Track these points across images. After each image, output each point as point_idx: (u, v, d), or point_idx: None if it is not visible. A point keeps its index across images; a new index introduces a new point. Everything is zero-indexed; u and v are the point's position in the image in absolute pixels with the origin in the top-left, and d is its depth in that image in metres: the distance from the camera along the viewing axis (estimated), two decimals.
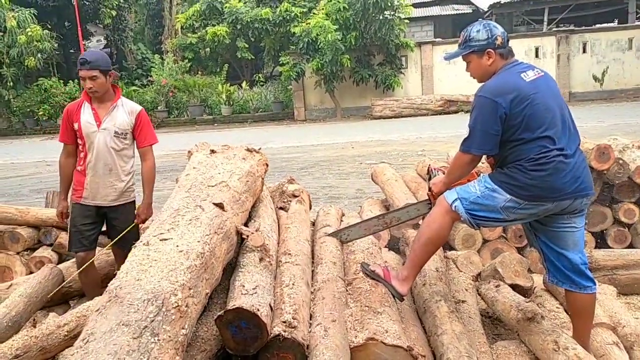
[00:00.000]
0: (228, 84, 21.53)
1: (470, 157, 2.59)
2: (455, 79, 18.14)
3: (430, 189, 2.94)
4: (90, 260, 3.52)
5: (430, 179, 2.98)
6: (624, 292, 3.68)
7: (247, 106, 21.16)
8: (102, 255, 3.97)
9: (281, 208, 3.92)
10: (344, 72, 18.21)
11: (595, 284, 2.71)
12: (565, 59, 18.59)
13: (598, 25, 20.41)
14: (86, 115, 3.50)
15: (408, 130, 14.10)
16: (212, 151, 3.33)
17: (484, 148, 2.55)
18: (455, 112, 17.48)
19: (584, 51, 18.61)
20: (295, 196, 4.03)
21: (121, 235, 3.50)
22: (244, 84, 22.32)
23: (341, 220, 4.16)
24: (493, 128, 2.49)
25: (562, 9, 21.87)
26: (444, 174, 2.90)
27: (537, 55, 18.69)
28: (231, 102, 21.06)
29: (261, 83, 22.69)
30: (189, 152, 3.40)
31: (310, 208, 4.33)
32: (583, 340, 2.67)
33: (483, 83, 2.65)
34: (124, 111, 3.57)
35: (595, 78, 18.54)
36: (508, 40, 2.65)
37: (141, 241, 2.29)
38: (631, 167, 4.08)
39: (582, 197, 2.53)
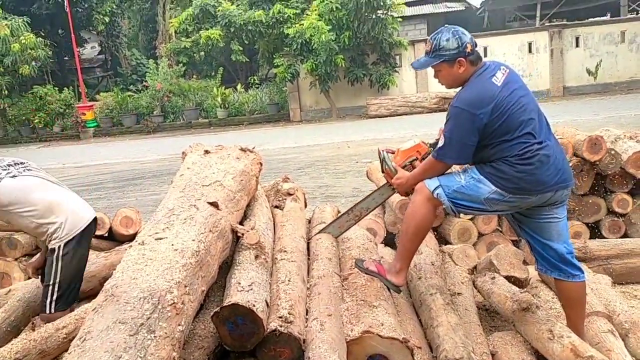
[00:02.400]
0: (223, 87, 21.55)
1: (443, 164, 2.66)
2: None
3: (383, 171, 3.00)
4: None
5: (381, 161, 3.00)
6: (618, 281, 3.71)
7: (243, 109, 21.17)
8: (101, 258, 3.99)
9: (276, 206, 3.94)
10: (339, 72, 18.23)
11: (583, 272, 2.73)
12: (558, 54, 18.64)
13: (590, 19, 20.46)
14: None
15: (403, 128, 14.13)
16: (206, 151, 3.35)
17: (459, 159, 2.63)
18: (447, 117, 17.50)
19: (577, 45, 18.66)
20: (290, 194, 4.05)
21: None
22: (239, 87, 22.34)
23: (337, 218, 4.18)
24: (470, 139, 2.53)
25: (554, 3, 21.95)
26: (392, 154, 2.96)
27: (530, 51, 18.74)
28: (227, 105, 21.07)
29: (256, 85, 22.70)
30: (183, 153, 3.42)
31: (306, 206, 4.35)
32: (577, 329, 2.69)
33: (457, 93, 2.67)
34: None
35: (588, 72, 18.60)
36: (476, 46, 2.67)
37: (136, 241, 2.31)
38: (623, 157, 4.11)
39: (563, 188, 2.57)
